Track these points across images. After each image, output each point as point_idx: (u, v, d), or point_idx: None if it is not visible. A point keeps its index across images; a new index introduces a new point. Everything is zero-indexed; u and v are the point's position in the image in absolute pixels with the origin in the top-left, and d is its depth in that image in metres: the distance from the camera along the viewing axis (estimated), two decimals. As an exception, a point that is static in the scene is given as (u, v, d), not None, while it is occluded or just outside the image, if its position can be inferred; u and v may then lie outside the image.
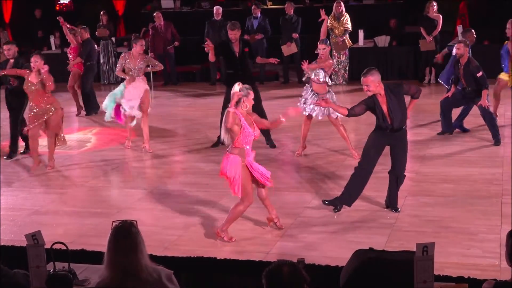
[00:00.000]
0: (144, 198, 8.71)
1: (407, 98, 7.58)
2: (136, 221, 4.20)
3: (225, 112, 6.82)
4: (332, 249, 6.75)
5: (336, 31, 15.73)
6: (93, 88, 14.66)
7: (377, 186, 8.06)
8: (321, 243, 6.94)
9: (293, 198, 8.36)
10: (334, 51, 15.88)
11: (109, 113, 10.87)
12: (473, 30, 12.01)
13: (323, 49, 9.72)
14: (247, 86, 6.90)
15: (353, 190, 7.69)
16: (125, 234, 4.01)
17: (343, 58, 16.01)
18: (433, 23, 15.38)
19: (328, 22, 15.72)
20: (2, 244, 6.90)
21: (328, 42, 10.08)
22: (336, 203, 7.76)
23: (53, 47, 19.08)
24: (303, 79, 10.22)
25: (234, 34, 10.37)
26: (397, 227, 7.23)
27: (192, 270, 5.95)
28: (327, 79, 9.73)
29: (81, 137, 12.47)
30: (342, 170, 9.27)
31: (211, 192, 8.73)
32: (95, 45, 14.42)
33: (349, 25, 15.73)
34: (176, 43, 17.47)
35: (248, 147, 6.87)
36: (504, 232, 4.34)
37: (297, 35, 16.56)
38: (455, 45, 10.83)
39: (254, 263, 6.18)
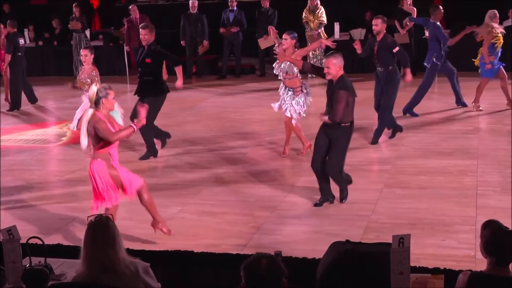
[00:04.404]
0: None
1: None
2: (112, 214, 4.19)
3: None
4: (309, 241, 6.77)
5: (311, 24, 15.73)
6: (27, 82, 14.53)
7: (353, 179, 8.07)
8: (298, 236, 6.96)
9: (270, 191, 8.35)
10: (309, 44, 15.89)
11: None
12: (440, 7, 12.09)
13: (285, 39, 9.31)
14: (106, 85, 6.46)
15: (322, 188, 7.76)
16: (102, 228, 4.01)
17: (318, 52, 15.99)
18: (407, 16, 15.43)
19: (303, 15, 15.81)
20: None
21: (295, 35, 9.61)
22: (321, 203, 7.76)
23: (28, 41, 18.87)
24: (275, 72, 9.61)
25: (142, 35, 9.58)
26: (373, 219, 7.27)
27: (169, 264, 5.93)
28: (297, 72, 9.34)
29: (57, 130, 12.38)
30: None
31: (187, 186, 8.71)
32: (21, 39, 14.20)
33: (324, 18, 15.73)
34: (152, 36, 17.32)
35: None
36: (479, 223, 4.38)
37: (273, 28, 16.52)
38: (372, 21, 10.50)
39: (231, 256, 6.17)
